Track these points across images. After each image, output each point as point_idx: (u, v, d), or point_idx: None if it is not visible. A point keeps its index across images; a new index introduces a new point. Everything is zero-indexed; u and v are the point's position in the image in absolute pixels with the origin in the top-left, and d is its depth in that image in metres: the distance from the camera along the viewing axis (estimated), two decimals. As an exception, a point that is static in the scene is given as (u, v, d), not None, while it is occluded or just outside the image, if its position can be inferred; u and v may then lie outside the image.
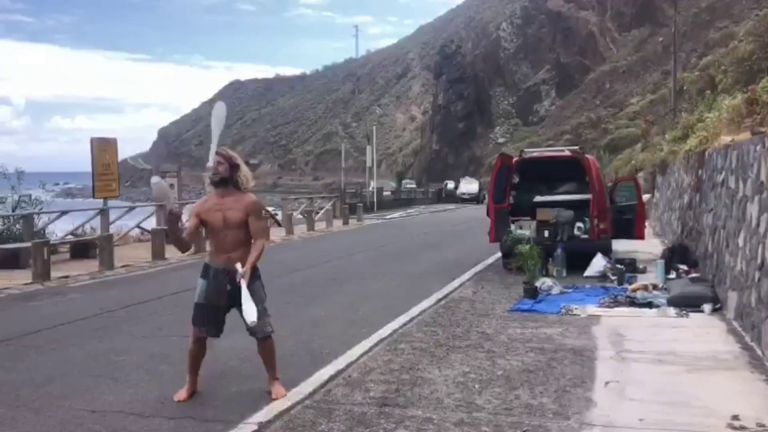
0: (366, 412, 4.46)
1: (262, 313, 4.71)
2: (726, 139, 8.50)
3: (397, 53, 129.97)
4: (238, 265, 4.66)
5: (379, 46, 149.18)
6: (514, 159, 10.90)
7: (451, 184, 49.44)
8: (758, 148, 6.18)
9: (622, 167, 31.40)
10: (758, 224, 5.97)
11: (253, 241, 4.75)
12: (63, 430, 4.28)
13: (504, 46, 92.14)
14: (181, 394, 4.85)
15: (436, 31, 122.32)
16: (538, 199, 10.81)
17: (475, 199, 42.94)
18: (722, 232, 7.83)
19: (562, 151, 11.66)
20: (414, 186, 55.43)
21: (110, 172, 15.54)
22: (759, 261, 5.80)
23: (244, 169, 4.79)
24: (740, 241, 6.69)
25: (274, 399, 4.70)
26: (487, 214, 10.78)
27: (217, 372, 5.45)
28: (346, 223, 23.09)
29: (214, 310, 4.79)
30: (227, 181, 4.71)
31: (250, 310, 4.57)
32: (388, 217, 29.25)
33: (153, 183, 5.03)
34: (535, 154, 11.20)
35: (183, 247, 5.03)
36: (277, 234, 18.23)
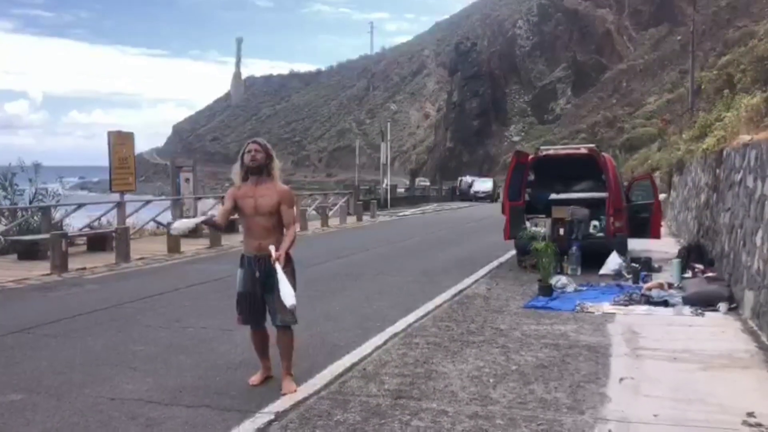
0: (381, 403, 4.51)
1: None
2: (745, 138, 8.44)
3: (412, 50, 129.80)
4: (272, 248, 4.70)
5: (395, 42, 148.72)
6: (530, 156, 10.88)
7: (468, 179, 49.22)
8: (777, 146, 6.15)
9: (638, 167, 31.22)
10: (776, 223, 5.95)
11: (285, 229, 4.82)
12: (83, 417, 4.35)
13: (520, 43, 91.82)
14: (255, 378, 5.01)
15: (452, 28, 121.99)
16: (553, 197, 10.79)
17: (489, 197, 42.86)
18: (739, 232, 7.79)
19: (578, 148, 11.62)
20: (428, 183, 55.35)
21: (127, 166, 15.64)
22: (776, 260, 5.78)
23: (277, 162, 4.96)
24: (758, 240, 6.66)
25: (283, 394, 4.69)
26: (502, 212, 10.78)
27: (235, 363, 5.53)
28: (359, 219, 23.15)
29: (251, 298, 4.86)
30: (262, 169, 4.81)
31: (287, 293, 4.58)
32: (402, 214, 29.29)
33: (173, 228, 5.11)
34: (551, 152, 11.17)
35: (219, 229, 5.37)
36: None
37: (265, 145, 4.89)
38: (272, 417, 4.29)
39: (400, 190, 39.71)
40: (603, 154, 10.73)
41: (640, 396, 4.60)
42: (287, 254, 4.82)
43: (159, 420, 4.28)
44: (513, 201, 10.52)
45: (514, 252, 11.49)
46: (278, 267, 4.64)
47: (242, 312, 4.92)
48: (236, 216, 5.02)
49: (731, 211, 8.52)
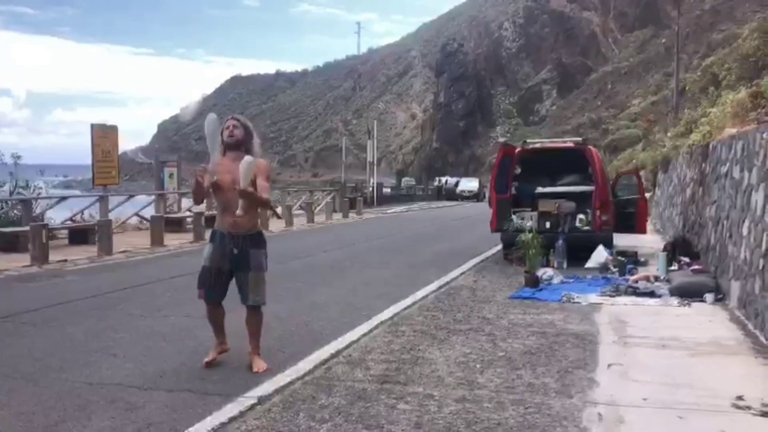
0: (366, 388, 4.42)
1: (260, 280, 4.81)
2: (731, 131, 8.46)
3: (398, 51, 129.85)
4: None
5: (382, 43, 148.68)
6: (517, 149, 10.85)
7: (452, 180, 49.23)
8: (765, 135, 6.14)
9: (623, 167, 31.35)
10: (764, 212, 5.93)
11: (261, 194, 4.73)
12: (60, 401, 4.23)
13: (506, 45, 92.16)
14: (209, 357, 4.98)
15: (438, 29, 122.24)
16: (540, 190, 10.76)
17: (475, 196, 42.89)
18: (725, 223, 7.79)
19: (565, 142, 11.60)
20: (413, 183, 55.34)
21: (110, 160, 15.46)
22: (764, 248, 5.76)
23: (257, 139, 4.95)
24: (744, 230, 6.65)
25: (256, 372, 4.72)
26: (489, 204, 10.73)
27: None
28: (346, 216, 23.04)
29: (217, 273, 4.83)
30: (240, 146, 4.79)
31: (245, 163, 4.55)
32: (389, 212, 29.22)
33: (208, 120, 4.86)
34: (537, 145, 11.15)
35: (198, 197, 5.06)
36: (276, 225, 18.18)
37: (245, 122, 4.89)
38: (255, 401, 4.19)
39: (387, 190, 39.60)
40: (589, 147, 10.71)
41: (629, 381, 4.55)
42: (262, 234, 4.93)
43: (138, 404, 4.17)
44: (500, 194, 10.47)
45: (500, 247, 11.46)
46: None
47: (203, 286, 4.87)
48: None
49: (717, 203, 8.53)
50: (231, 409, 4.04)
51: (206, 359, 4.97)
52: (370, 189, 33.95)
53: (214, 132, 4.85)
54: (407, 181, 57.19)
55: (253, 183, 4.67)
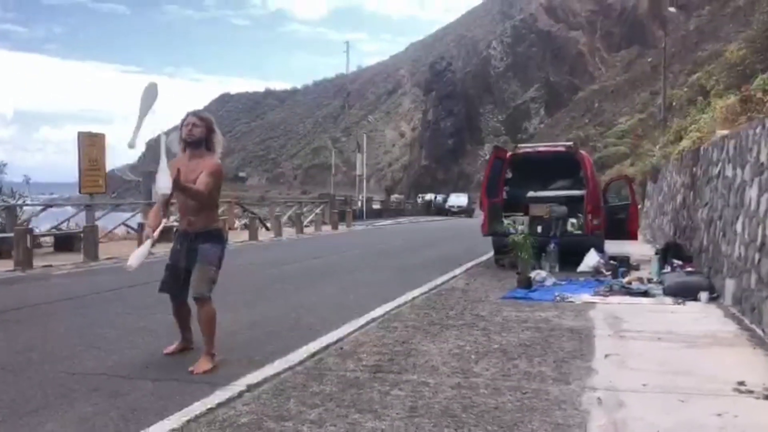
0: (359, 377, 4.30)
1: (205, 273, 4.55)
2: (722, 132, 8.46)
3: (387, 69, 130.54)
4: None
5: (371, 62, 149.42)
6: (508, 154, 10.81)
7: (438, 198, 49.24)
8: (758, 130, 6.13)
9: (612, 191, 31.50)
10: (758, 206, 5.90)
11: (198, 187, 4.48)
12: (41, 389, 4.08)
13: (494, 64, 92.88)
14: (169, 347, 4.87)
15: (427, 48, 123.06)
16: (531, 194, 10.70)
17: (464, 212, 42.86)
18: (718, 223, 7.76)
19: (556, 146, 11.58)
20: (402, 197, 55.31)
21: (97, 168, 15.27)
22: (759, 242, 5.72)
23: (219, 135, 4.78)
24: (738, 227, 6.61)
25: (190, 372, 4.38)
26: (480, 208, 10.66)
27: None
28: (335, 228, 22.90)
29: (173, 269, 4.74)
30: (200, 143, 4.63)
31: (162, 178, 4.37)
32: (378, 224, 29.11)
33: (130, 267, 4.62)
34: (528, 149, 11.12)
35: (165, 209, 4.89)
36: (265, 235, 18.04)
37: (208, 118, 4.71)
38: (244, 388, 4.06)
39: (376, 205, 39.51)
40: (580, 151, 10.68)
41: (627, 369, 4.46)
42: (218, 230, 4.78)
43: (123, 391, 4.03)
44: (491, 197, 10.41)
45: (491, 254, 11.38)
46: (162, 152, 4.45)
47: (163, 281, 4.79)
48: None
49: (709, 205, 8.50)
50: (219, 396, 3.91)
51: (166, 350, 4.90)
52: (360, 203, 33.84)
53: (147, 100, 4.60)
54: (396, 197, 57.15)
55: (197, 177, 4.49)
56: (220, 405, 3.75)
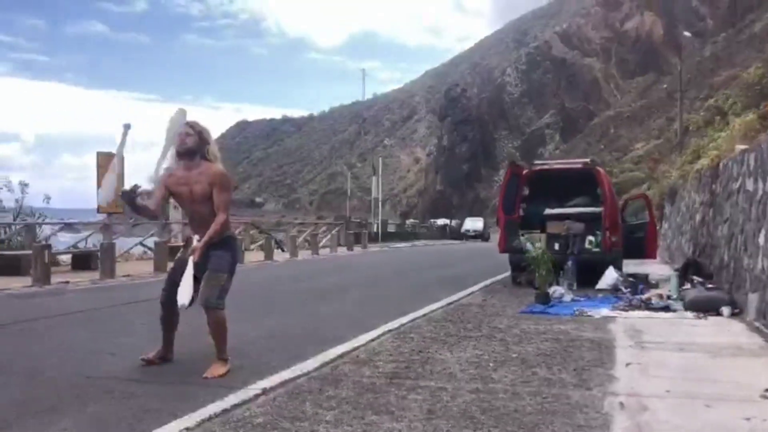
0: (375, 382, 4.23)
1: (215, 280, 4.47)
2: (741, 146, 8.38)
3: (403, 96, 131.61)
4: (196, 238, 4.49)
5: (387, 89, 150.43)
6: (525, 170, 10.75)
7: (454, 222, 49.21)
8: (779, 139, 6.05)
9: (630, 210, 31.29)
10: (781, 215, 5.80)
11: (217, 212, 4.46)
12: (56, 391, 4.05)
13: (509, 90, 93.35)
14: (150, 353, 4.71)
15: (442, 75, 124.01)
16: (548, 211, 10.60)
17: (480, 236, 42.69)
18: (740, 238, 7.64)
19: (574, 162, 11.51)
20: (417, 221, 55.29)
21: (115, 187, 15.41)
22: (783, 252, 5.61)
23: (214, 145, 4.64)
24: (761, 240, 6.49)
25: (204, 378, 4.31)
26: (497, 224, 10.59)
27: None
28: (350, 249, 22.88)
29: (175, 276, 4.59)
30: (194, 153, 4.50)
31: (184, 292, 4.36)
32: (393, 246, 29.04)
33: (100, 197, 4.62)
34: (545, 166, 11.05)
35: (150, 215, 4.81)
36: (280, 256, 18.05)
37: (199, 127, 4.56)
38: (259, 392, 4.01)
39: (391, 228, 39.49)
40: (598, 168, 10.60)
41: (649, 377, 4.36)
42: (230, 237, 4.65)
43: (137, 394, 3.99)
44: (508, 214, 10.33)
45: (508, 273, 11.27)
46: (191, 261, 4.43)
47: (164, 288, 4.68)
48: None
49: (730, 220, 8.39)
50: (234, 398, 3.86)
51: (145, 355, 4.72)
52: (375, 225, 33.82)
53: (175, 128, 4.58)
54: (411, 221, 57.15)
55: (211, 196, 4.44)
56: (234, 406, 3.70)
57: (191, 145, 4.48)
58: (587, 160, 11.14)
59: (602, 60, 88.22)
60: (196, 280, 4.54)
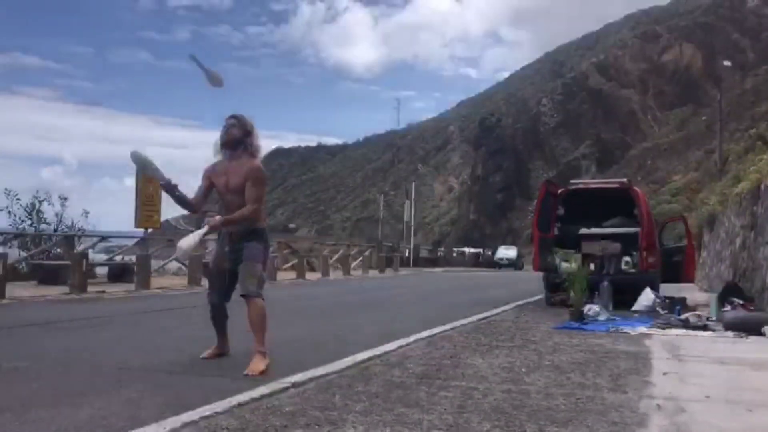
0: (405, 381, 4.20)
1: (252, 270, 4.54)
2: (783, 166, 8.21)
3: (437, 125, 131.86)
4: (218, 217, 4.53)
5: (421, 118, 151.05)
6: (560, 190, 10.65)
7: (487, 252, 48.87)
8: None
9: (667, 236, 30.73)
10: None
11: (246, 203, 4.52)
12: (89, 380, 4.12)
13: (544, 120, 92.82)
14: (207, 351, 4.85)
15: (477, 105, 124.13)
16: (584, 231, 10.44)
17: (513, 265, 42.24)
18: (782, 257, 7.44)
19: (610, 182, 11.36)
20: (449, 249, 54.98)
21: (153, 204, 15.72)
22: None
23: (256, 139, 4.73)
24: (804, 256, 6.32)
25: (245, 375, 4.27)
26: (531, 241, 10.47)
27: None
28: (382, 272, 22.84)
29: (218, 274, 4.72)
30: (237, 145, 4.60)
31: (187, 240, 4.53)
32: (425, 271, 28.90)
33: (131, 154, 4.68)
34: (581, 186, 10.93)
35: (190, 208, 4.89)
36: (312, 275, 18.10)
37: (244, 119, 4.67)
38: (289, 385, 4.00)
39: (424, 254, 39.33)
40: (635, 188, 10.45)
41: (687, 384, 4.23)
42: (262, 229, 4.68)
43: (168, 384, 4.03)
44: (543, 232, 10.21)
45: (541, 295, 11.11)
46: (205, 226, 4.54)
47: (211, 288, 4.80)
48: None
49: (772, 241, 8.19)
50: (264, 389, 3.85)
51: (204, 354, 4.86)
52: (407, 250, 33.72)
53: (144, 165, 4.74)
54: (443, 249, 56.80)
55: (243, 189, 4.52)
56: (264, 396, 3.70)
57: (237, 135, 4.59)
58: (624, 179, 10.99)
59: (640, 91, 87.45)
60: (232, 274, 4.62)
